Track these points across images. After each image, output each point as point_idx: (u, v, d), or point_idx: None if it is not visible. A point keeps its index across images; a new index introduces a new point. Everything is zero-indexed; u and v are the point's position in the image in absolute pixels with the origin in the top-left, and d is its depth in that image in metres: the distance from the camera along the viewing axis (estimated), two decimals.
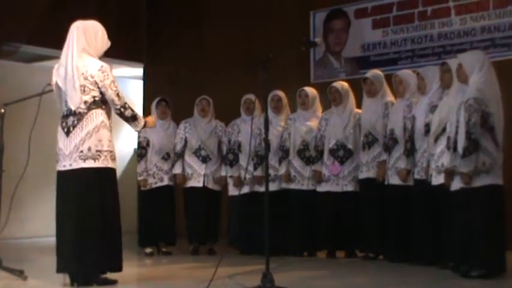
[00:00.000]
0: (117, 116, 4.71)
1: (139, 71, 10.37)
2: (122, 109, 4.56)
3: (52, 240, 8.14)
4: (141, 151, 6.93)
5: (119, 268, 4.57)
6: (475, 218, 4.88)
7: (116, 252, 4.55)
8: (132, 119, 4.64)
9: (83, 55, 4.53)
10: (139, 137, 7.01)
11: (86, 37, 4.57)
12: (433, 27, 7.63)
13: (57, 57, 9.97)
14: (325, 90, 6.86)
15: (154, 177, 6.88)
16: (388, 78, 6.36)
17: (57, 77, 4.60)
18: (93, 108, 4.50)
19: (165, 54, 9.99)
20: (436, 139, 5.37)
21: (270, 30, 8.85)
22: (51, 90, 4.88)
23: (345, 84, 6.61)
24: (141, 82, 10.38)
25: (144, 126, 4.77)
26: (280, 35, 8.65)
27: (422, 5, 7.72)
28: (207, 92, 7.35)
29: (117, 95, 4.53)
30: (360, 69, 8.07)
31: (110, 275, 4.58)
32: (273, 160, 6.62)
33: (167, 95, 7.28)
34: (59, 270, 4.53)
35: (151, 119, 4.91)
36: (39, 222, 8.95)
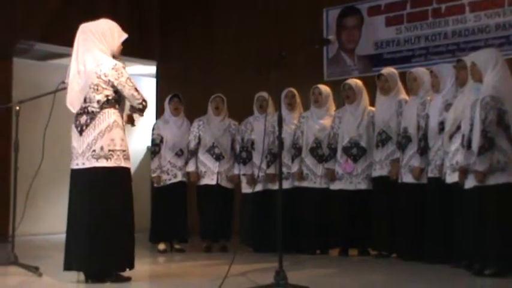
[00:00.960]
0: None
1: (152, 69, 10.40)
2: (144, 102, 4.56)
3: None
4: (155, 148, 6.96)
5: (130, 265, 4.58)
6: (489, 216, 4.86)
7: (128, 251, 4.55)
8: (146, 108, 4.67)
9: (94, 55, 4.51)
10: (153, 134, 7.05)
11: (95, 38, 4.54)
12: (447, 25, 7.58)
13: (71, 55, 10.01)
14: (338, 88, 6.85)
15: (168, 174, 6.90)
16: (402, 76, 6.34)
17: (67, 77, 4.62)
18: (105, 108, 4.50)
19: (177, 53, 10.01)
20: (451, 137, 5.35)
21: (282, 27, 8.84)
22: (65, 88, 4.90)
23: (359, 82, 6.59)
24: (154, 80, 10.40)
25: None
26: (292, 32, 8.63)
27: (436, 2, 7.68)
28: (219, 90, 7.36)
29: (136, 89, 4.53)
30: (373, 66, 8.04)
31: (124, 272, 4.60)
32: (286, 158, 6.62)
33: (180, 92, 7.29)
34: (66, 268, 4.53)
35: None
36: (54, 219, 8.97)
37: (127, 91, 4.51)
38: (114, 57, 4.61)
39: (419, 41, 7.79)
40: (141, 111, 4.62)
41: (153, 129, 7.10)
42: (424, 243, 5.71)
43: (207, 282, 4.79)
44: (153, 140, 7.01)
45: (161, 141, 6.95)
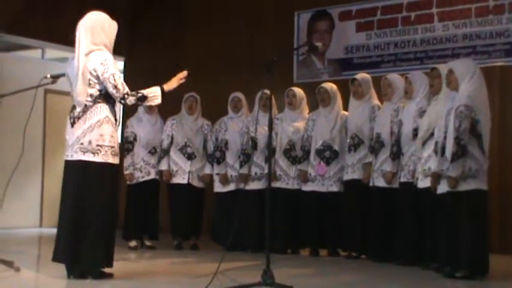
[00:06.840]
0: None
1: (119, 64, 10.31)
2: (123, 101, 4.52)
3: (32, 231, 8.12)
4: (128, 146, 6.95)
5: (109, 264, 4.58)
6: (461, 220, 5.03)
7: (109, 249, 4.56)
8: (141, 101, 4.60)
9: (92, 51, 4.52)
10: (126, 131, 7.03)
11: (92, 33, 4.55)
12: (416, 33, 7.78)
13: (35, 47, 9.72)
14: (308, 91, 6.96)
15: (141, 171, 6.91)
16: (372, 80, 6.49)
17: (68, 69, 4.60)
18: (98, 102, 4.51)
19: (146, 50, 9.96)
20: (424, 143, 5.51)
21: (254, 29, 8.91)
22: (48, 83, 4.90)
23: (334, 86, 6.70)
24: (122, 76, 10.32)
25: (163, 93, 4.71)
26: (263, 34, 8.72)
27: (406, 10, 7.87)
28: (189, 88, 7.35)
29: (115, 87, 4.47)
30: (342, 71, 8.20)
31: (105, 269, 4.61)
32: (259, 159, 6.71)
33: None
34: (54, 259, 4.53)
35: (171, 83, 4.81)
36: (17, 213, 8.84)
37: (109, 88, 4.50)
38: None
39: (388, 47, 7.97)
40: (124, 105, 4.63)
41: (126, 127, 7.08)
42: (394, 245, 5.88)
43: (188, 280, 4.81)
44: (126, 138, 6.99)
45: (135, 138, 6.94)
